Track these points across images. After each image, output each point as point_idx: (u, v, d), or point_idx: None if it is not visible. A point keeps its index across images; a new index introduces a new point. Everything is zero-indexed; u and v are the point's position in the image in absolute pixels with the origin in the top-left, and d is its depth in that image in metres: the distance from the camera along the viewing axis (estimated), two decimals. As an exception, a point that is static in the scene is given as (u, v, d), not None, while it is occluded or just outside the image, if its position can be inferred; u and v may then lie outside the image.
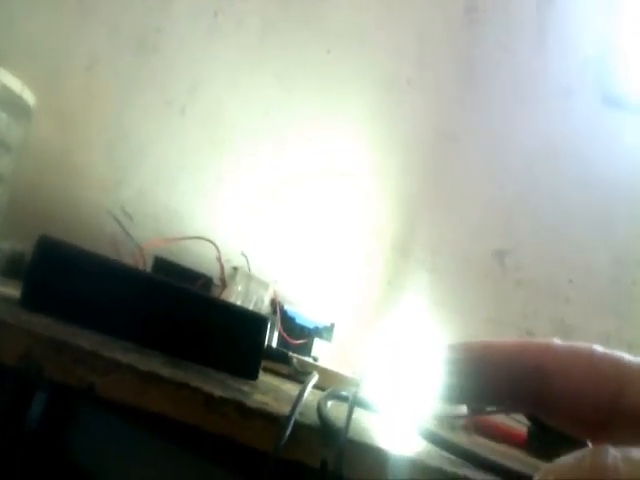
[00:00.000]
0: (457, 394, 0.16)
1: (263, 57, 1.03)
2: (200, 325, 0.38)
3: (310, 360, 0.69)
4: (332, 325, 0.79)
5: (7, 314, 0.29)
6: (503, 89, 1.06)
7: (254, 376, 0.40)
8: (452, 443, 0.35)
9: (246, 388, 0.34)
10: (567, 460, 0.14)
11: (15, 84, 0.70)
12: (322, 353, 0.79)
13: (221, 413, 0.27)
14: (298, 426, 0.28)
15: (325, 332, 0.77)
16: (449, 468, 0.31)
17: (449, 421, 0.65)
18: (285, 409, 0.30)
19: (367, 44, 1.05)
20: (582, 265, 1.01)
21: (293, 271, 0.92)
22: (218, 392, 0.28)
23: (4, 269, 0.44)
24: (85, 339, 0.29)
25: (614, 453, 0.12)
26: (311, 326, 0.77)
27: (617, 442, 0.13)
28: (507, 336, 0.98)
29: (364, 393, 0.40)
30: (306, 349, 0.77)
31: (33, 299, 0.35)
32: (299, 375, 0.47)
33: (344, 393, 0.38)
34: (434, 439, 0.35)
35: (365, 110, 1.02)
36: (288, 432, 0.27)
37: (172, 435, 0.37)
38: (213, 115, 1.00)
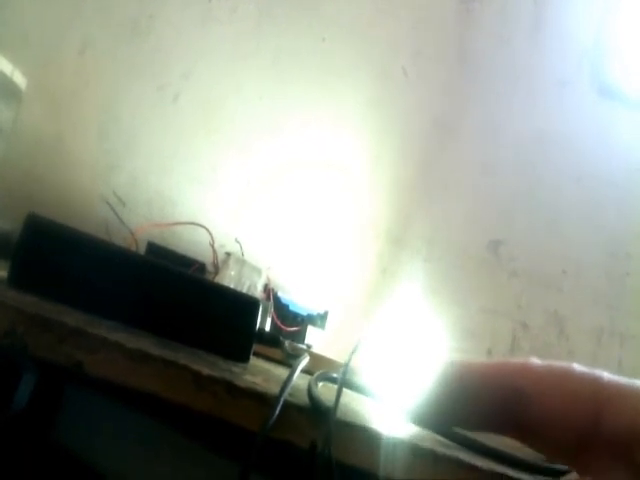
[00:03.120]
0: (430, 417, 0.16)
1: (258, 44, 1.02)
2: (191, 307, 0.37)
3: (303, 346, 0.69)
4: (326, 313, 0.78)
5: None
6: (498, 79, 1.05)
7: (245, 359, 0.40)
8: (454, 431, 0.35)
9: (236, 369, 0.34)
10: None
11: (6, 66, 0.69)
12: (315, 341, 0.78)
13: (210, 392, 0.27)
14: (287, 406, 0.28)
15: (319, 320, 0.77)
16: (440, 450, 0.31)
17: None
18: (275, 390, 0.30)
19: (363, 33, 1.04)
20: (576, 256, 1.02)
21: (287, 258, 0.92)
22: (207, 371, 0.28)
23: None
24: (72, 317, 0.29)
25: None
26: (304, 313, 0.77)
27: (598, 465, 0.14)
28: (501, 326, 0.98)
29: (354, 375, 0.40)
30: (299, 336, 0.76)
31: (21, 278, 0.34)
32: (291, 359, 0.47)
33: (334, 375, 0.38)
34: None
35: (360, 99, 1.01)
36: (277, 412, 0.26)
37: (161, 415, 0.36)
38: (207, 102, 0.99)
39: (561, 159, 1.04)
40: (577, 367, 0.14)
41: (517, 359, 0.15)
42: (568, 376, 0.14)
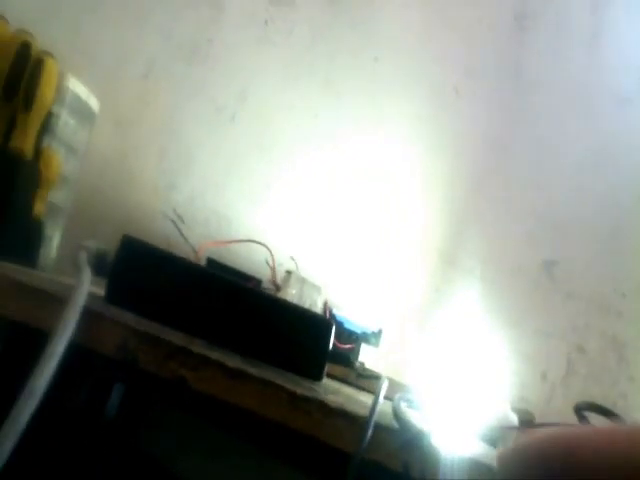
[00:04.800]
0: None
1: (311, 65, 1.04)
2: (271, 326, 0.39)
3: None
4: (380, 331, 0.78)
5: (103, 308, 0.30)
6: (554, 97, 1.04)
7: (319, 377, 0.41)
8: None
9: (317, 388, 0.35)
10: None
11: (82, 91, 0.73)
12: (368, 358, 0.79)
13: (304, 411, 0.28)
14: (378, 427, 0.28)
15: (373, 337, 0.77)
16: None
17: (502, 433, 0.64)
18: (360, 410, 0.30)
19: (414, 52, 1.05)
20: (635, 278, 0.98)
21: (340, 275, 0.93)
22: (300, 390, 0.29)
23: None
24: (173, 335, 0.31)
25: None
26: (359, 331, 0.77)
27: None
28: (556, 349, 0.95)
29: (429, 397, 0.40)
30: (354, 354, 0.77)
31: (117, 295, 0.36)
32: (361, 379, 0.47)
33: (412, 398, 0.38)
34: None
35: (413, 117, 1.02)
36: (370, 433, 0.27)
37: (248, 434, 0.38)
38: (262, 121, 1.02)
39: (619, 177, 1.01)
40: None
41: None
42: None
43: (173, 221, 0.76)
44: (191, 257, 0.77)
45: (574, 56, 1.04)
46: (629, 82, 1.02)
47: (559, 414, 0.95)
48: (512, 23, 1.07)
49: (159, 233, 0.89)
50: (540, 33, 1.06)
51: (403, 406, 0.34)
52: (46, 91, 0.63)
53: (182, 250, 0.83)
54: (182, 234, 0.76)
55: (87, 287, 0.30)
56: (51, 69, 0.63)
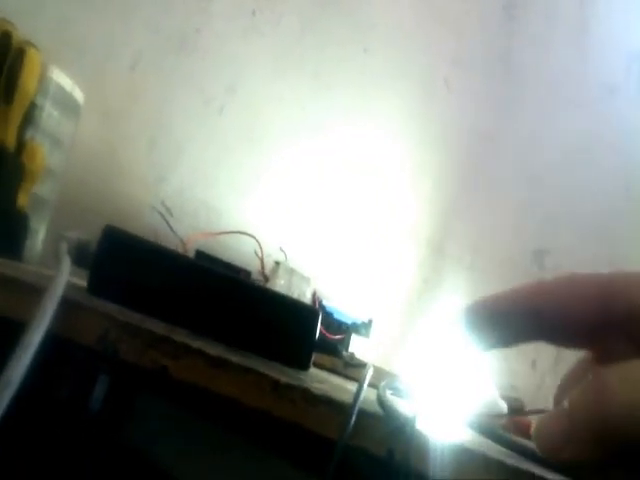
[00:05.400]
0: (484, 341, 0.19)
1: (301, 56, 1.04)
2: (256, 315, 0.39)
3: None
4: (370, 321, 0.78)
5: (84, 299, 0.30)
6: (542, 87, 1.04)
7: (306, 367, 0.40)
8: (512, 439, 0.34)
9: (303, 377, 0.35)
10: (578, 388, 0.16)
11: (67, 82, 0.72)
12: (358, 349, 0.79)
13: (288, 399, 0.28)
14: (363, 414, 0.28)
15: (363, 328, 0.77)
16: (510, 461, 0.31)
17: (489, 422, 0.64)
18: (345, 398, 0.30)
19: (404, 43, 1.05)
20: (626, 267, 0.99)
21: (329, 266, 0.93)
22: (284, 378, 0.29)
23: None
24: (154, 325, 0.30)
25: (612, 375, 0.14)
26: (349, 322, 0.77)
27: (613, 346, 0.16)
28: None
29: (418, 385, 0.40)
30: (343, 344, 0.77)
31: (99, 286, 0.36)
32: (348, 368, 0.47)
33: (399, 385, 0.38)
34: (492, 434, 0.35)
35: (402, 108, 1.02)
36: (354, 419, 0.27)
37: (231, 423, 0.38)
38: (251, 113, 1.02)
39: (609, 166, 1.01)
40: (579, 272, 0.18)
41: (529, 282, 0.18)
42: (573, 281, 0.17)
43: (160, 213, 0.76)
44: (179, 249, 0.76)
45: (563, 46, 1.04)
46: (617, 71, 1.02)
47: (548, 401, 0.96)
48: (501, 13, 1.07)
49: (147, 225, 0.88)
50: (529, 22, 1.06)
51: (389, 393, 0.33)
52: (28, 82, 0.62)
53: (170, 242, 0.83)
54: (170, 226, 0.75)
55: (66, 277, 0.29)
56: (33, 59, 0.62)
